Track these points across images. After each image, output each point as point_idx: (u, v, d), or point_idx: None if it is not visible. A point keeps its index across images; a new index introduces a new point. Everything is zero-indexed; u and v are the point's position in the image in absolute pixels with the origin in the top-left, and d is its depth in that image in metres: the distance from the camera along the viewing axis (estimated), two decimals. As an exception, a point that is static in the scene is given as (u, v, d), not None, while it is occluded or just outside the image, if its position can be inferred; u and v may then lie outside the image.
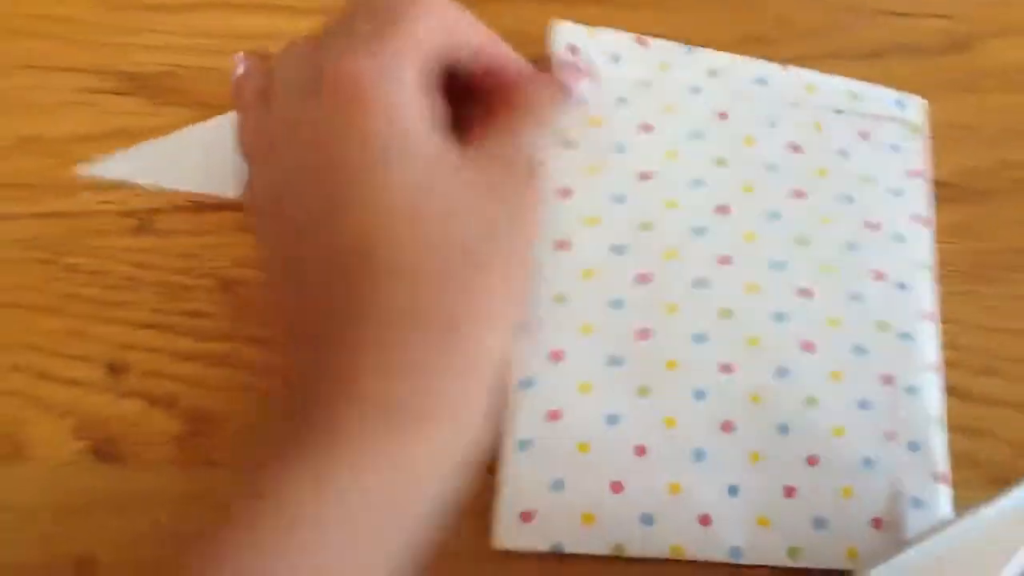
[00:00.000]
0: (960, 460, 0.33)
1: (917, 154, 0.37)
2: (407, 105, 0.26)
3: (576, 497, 0.31)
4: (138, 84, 0.36)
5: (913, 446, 0.32)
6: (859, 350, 0.33)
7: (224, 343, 0.32)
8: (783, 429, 0.32)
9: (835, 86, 0.37)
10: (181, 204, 0.34)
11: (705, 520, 0.31)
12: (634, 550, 0.31)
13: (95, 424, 0.31)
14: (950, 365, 0.34)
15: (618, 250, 0.34)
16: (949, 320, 0.35)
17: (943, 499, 0.32)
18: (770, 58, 0.37)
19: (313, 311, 0.26)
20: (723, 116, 0.36)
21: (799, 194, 0.35)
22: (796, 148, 0.36)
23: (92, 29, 0.37)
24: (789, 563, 0.31)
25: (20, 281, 0.33)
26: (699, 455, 0.32)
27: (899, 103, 0.38)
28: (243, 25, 0.37)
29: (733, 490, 0.31)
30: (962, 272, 0.36)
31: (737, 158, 0.35)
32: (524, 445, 0.31)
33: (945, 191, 0.37)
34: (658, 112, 0.36)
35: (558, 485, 0.31)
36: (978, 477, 0.32)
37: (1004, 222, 0.37)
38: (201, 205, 0.34)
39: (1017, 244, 0.36)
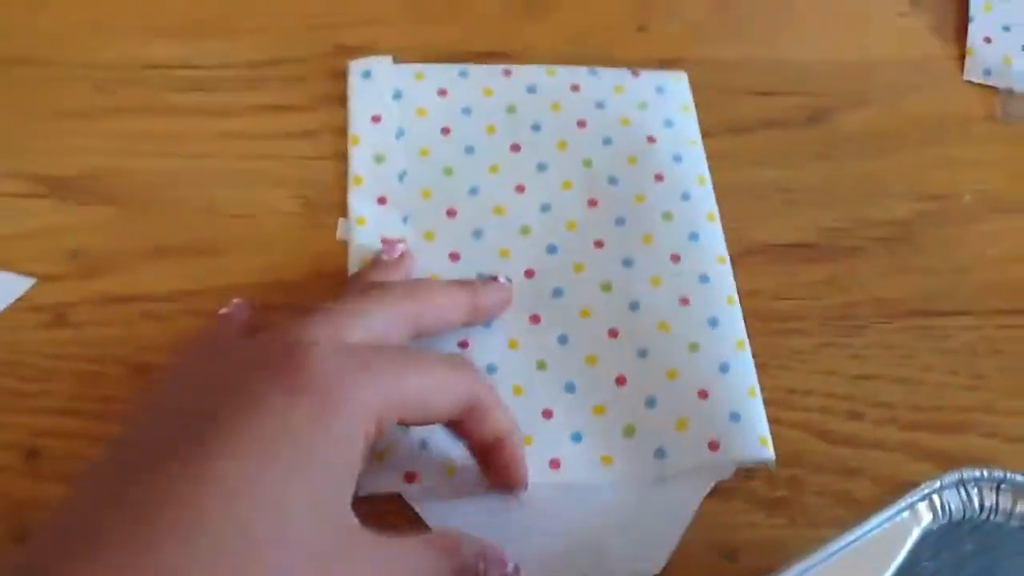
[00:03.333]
0: (837, 499, 0.35)
1: (690, 126, 0.42)
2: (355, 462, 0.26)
3: None
4: (55, 186, 0.38)
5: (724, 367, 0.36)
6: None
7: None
8: (642, 353, 0.36)
9: (602, 82, 0.43)
10: (92, 297, 0.36)
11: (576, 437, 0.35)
12: None
13: (12, 509, 0.32)
14: (822, 411, 0.37)
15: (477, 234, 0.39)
16: (818, 371, 0.37)
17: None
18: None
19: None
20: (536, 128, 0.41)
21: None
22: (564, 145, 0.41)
23: (8, 136, 0.39)
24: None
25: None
26: (570, 387, 0.35)
27: (660, 89, 0.43)
28: (153, 128, 0.40)
29: (599, 409, 0.35)
30: (830, 325, 0.39)
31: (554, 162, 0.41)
32: None
33: (810, 251, 0.40)
34: (481, 133, 0.41)
35: None
36: (852, 515, 0.34)
37: (866, 275, 0.40)
38: (111, 298, 0.36)
39: (878, 295, 0.39)
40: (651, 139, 0.41)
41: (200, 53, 0.42)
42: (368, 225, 0.38)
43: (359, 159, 0.39)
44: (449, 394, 0.29)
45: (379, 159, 0.39)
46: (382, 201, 0.39)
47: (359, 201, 0.38)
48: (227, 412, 0.25)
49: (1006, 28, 0.47)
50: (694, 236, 0.39)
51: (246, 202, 0.39)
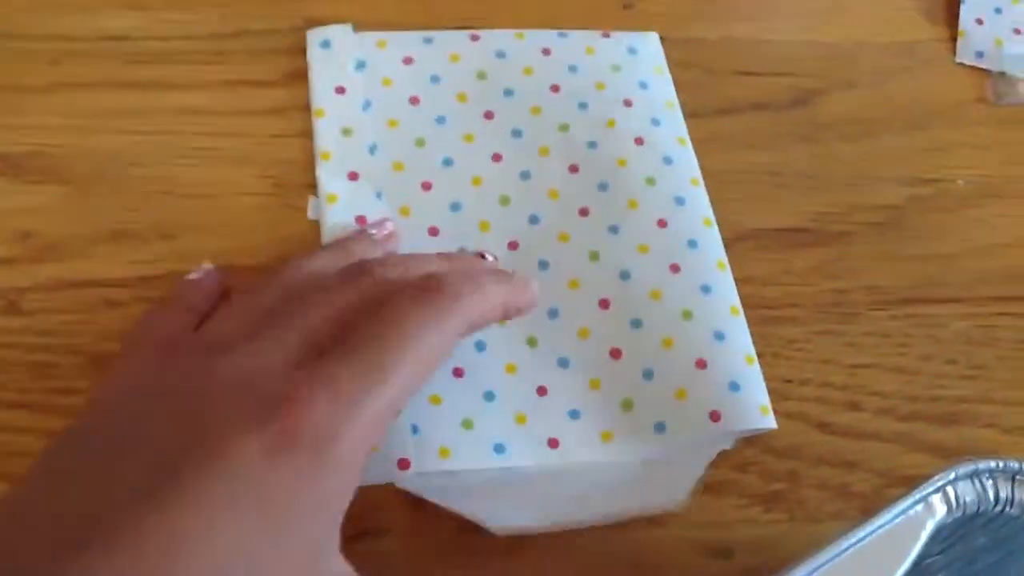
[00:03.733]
0: (836, 492, 0.34)
1: (666, 88, 0.41)
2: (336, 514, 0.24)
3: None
4: (6, 164, 0.36)
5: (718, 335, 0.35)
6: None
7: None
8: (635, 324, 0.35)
9: (572, 44, 0.41)
10: (45, 283, 0.33)
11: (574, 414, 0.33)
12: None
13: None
14: (818, 402, 0.35)
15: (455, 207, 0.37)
16: (814, 359, 0.36)
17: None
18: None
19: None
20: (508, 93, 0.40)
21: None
22: (538, 111, 0.39)
23: None
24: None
25: None
26: (563, 362, 0.34)
27: (632, 50, 0.41)
28: (110, 103, 0.37)
29: (595, 383, 0.34)
30: (823, 312, 0.37)
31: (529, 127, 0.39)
32: None
33: (801, 236, 0.39)
34: (452, 102, 0.39)
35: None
36: (852, 508, 0.33)
37: (858, 261, 0.39)
38: (65, 283, 0.34)
39: (871, 282, 0.38)
40: (627, 102, 0.39)
41: (161, 24, 0.39)
42: (340, 202, 0.36)
43: (326, 133, 0.37)
44: (446, 345, 0.27)
45: (347, 132, 0.37)
46: (353, 176, 0.36)
47: (329, 177, 0.36)
48: (205, 456, 0.23)
49: (998, 10, 0.46)
50: (679, 200, 0.37)
51: (210, 182, 0.36)
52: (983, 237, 0.40)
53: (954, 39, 0.45)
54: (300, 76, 0.39)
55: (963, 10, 0.46)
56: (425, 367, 0.27)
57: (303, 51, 0.39)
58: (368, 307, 0.27)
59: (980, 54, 0.45)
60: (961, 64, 0.45)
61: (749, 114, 0.42)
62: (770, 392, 0.34)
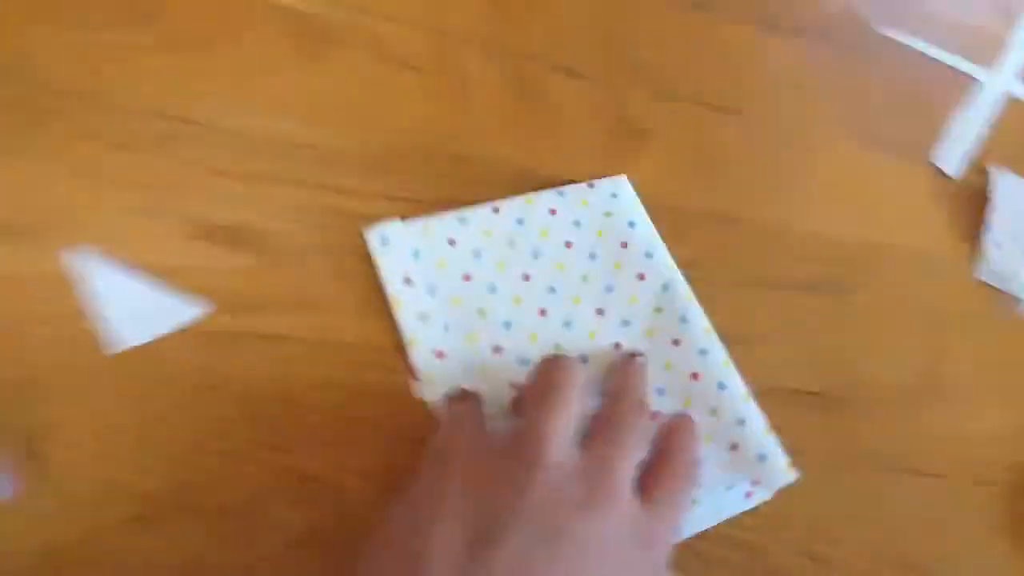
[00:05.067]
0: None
1: (647, 221, 0.48)
2: None
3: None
4: (210, 231, 0.42)
5: (741, 421, 0.44)
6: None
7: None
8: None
9: (569, 201, 0.48)
10: (239, 333, 0.40)
11: None
12: None
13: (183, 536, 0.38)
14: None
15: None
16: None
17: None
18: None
19: None
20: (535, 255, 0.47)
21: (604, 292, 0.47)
22: (558, 265, 0.47)
23: (177, 188, 0.43)
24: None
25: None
26: None
27: (614, 195, 0.49)
28: (294, 195, 0.44)
29: None
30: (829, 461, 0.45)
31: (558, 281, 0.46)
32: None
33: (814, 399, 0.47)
34: (495, 272, 0.46)
35: None
36: None
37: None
38: (256, 336, 0.41)
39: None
40: (624, 244, 0.47)
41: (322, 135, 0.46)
42: (436, 378, 0.42)
43: (407, 322, 0.43)
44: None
45: (423, 318, 0.43)
46: (439, 355, 0.43)
47: (420, 358, 0.43)
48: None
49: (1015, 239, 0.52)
50: (683, 319, 0.45)
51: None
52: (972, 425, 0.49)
53: (973, 255, 0.53)
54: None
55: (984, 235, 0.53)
56: None
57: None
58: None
59: (996, 275, 0.52)
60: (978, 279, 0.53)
61: (764, 291, 0.50)
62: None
